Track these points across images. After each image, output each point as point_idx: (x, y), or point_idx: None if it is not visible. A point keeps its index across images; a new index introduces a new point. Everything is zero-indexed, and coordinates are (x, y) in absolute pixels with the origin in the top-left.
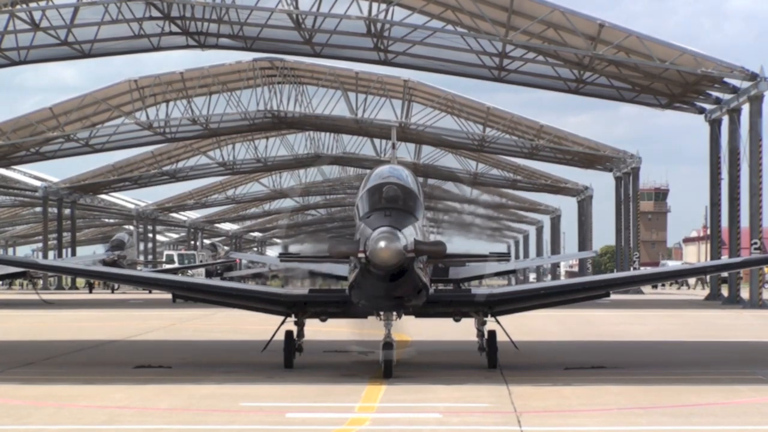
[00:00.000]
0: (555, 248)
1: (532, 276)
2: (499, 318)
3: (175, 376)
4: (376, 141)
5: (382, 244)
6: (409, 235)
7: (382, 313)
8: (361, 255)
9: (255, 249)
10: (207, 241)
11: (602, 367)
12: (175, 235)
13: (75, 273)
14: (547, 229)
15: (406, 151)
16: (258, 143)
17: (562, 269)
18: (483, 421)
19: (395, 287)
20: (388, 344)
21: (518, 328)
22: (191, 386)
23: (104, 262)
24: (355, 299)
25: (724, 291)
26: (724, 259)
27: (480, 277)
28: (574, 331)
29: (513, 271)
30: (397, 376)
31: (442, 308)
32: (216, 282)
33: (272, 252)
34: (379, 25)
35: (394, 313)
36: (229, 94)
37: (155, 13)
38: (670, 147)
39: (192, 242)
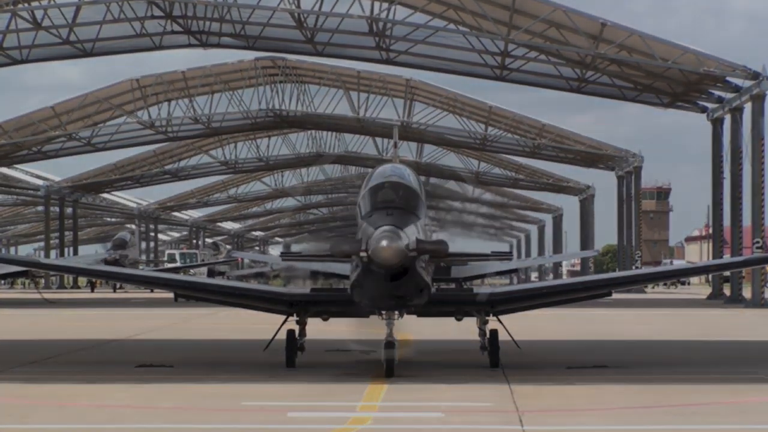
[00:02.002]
0: (557, 247)
1: (534, 275)
2: (501, 317)
3: (177, 375)
4: (378, 140)
5: (383, 243)
6: (411, 234)
7: (383, 312)
8: (363, 254)
9: (257, 248)
10: (209, 240)
11: (604, 367)
12: (176, 234)
13: (77, 272)
14: (549, 228)
15: (408, 150)
16: (260, 142)
17: (564, 268)
18: (485, 421)
19: (397, 286)
20: (389, 343)
21: (520, 327)
22: (193, 385)
23: (106, 261)
24: (357, 298)
25: (726, 290)
26: (726, 258)
27: (482, 276)
28: (576, 331)
29: (515, 270)
30: (399, 375)
31: (444, 307)
32: (218, 281)
33: (274, 251)
34: (381, 24)
35: (396, 312)
36: (231, 93)
37: (157, 12)
38: (673, 146)
39: (194, 241)
